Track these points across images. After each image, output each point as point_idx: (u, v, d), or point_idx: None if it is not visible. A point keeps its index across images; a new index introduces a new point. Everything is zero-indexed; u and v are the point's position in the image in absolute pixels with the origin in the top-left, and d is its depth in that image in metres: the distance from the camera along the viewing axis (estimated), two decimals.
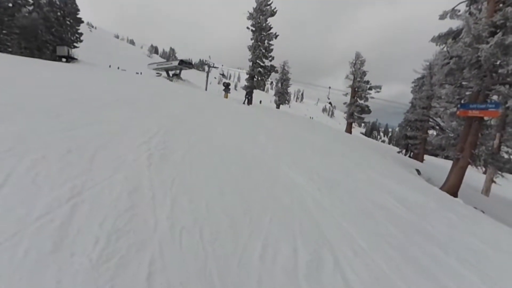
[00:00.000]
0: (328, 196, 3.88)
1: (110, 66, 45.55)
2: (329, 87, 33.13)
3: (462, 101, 13.22)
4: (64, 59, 30.25)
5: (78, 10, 31.71)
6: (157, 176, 3.28)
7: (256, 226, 2.66)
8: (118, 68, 46.84)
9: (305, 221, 3.00)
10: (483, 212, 9.35)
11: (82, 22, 33.06)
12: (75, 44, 32.64)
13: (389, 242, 3.17)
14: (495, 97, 11.90)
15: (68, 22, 31.24)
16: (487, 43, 10.37)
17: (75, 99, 7.14)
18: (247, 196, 3.25)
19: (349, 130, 30.54)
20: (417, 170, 13.42)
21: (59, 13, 30.12)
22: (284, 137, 8.43)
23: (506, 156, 15.43)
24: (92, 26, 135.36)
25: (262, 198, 3.32)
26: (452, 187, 12.11)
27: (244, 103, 19.80)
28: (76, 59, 31.73)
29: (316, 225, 2.97)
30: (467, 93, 12.76)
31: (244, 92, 28.54)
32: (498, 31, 10.70)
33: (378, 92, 30.22)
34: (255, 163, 4.64)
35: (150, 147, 4.23)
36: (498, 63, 10.59)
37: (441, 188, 11.81)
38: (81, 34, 33.31)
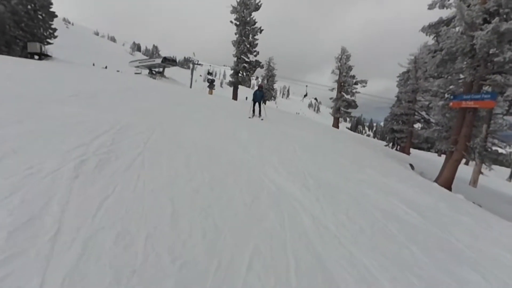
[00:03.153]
0: (331, 210, 2.91)
1: (94, 64, 42.42)
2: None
3: (447, 94, 12.86)
4: (36, 56, 27.83)
5: (51, 3, 29.06)
6: (79, 195, 2.16)
7: (226, 278, 1.62)
8: (106, 67, 43.85)
9: (302, 257, 2.00)
10: (480, 206, 9.00)
11: (56, 16, 30.33)
12: (48, 40, 30.00)
13: (419, 276, 2.24)
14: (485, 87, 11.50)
15: (40, 17, 28.53)
16: (481, 30, 9.83)
17: (19, 94, 5.90)
18: (214, 222, 2.19)
19: (336, 125, 30.06)
20: (411, 165, 12.87)
21: (29, 7, 27.39)
22: (270, 133, 7.41)
23: (492, 147, 15.29)
24: (69, 22, 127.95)
25: (237, 222, 2.27)
26: (446, 181, 11.64)
27: (253, 112, 10.60)
28: (49, 56, 29.22)
29: (319, 263, 1.98)
30: (458, 83, 12.32)
31: (231, 89, 26.98)
32: (489, 18, 10.22)
33: (364, 86, 29.87)
34: (231, 167, 3.58)
35: (88, 150, 3.08)
36: (491, 51, 10.07)
37: (435, 182, 11.34)
38: (55, 29, 30.59)
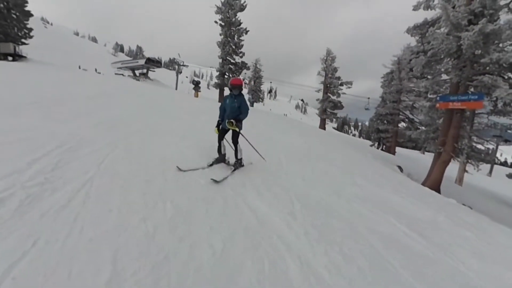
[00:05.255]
0: (322, 247, 2.39)
1: (80, 67, 40.26)
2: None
3: (433, 95, 12.85)
4: (10, 57, 26.11)
5: (26, 2, 27.29)
6: None
7: None
8: (96, 70, 41.84)
9: None
10: (471, 208, 8.87)
11: (32, 15, 28.53)
12: (23, 40, 28.26)
13: None
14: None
15: (14, 16, 26.77)
16: (467, 31, 9.76)
17: None
18: (168, 287, 1.60)
19: (323, 126, 30.02)
20: (399, 167, 12.72)
21: (2, 5, 25.65)
22: (254, 141, 6.86)
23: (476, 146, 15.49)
24: (48, 22, 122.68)
25: (199, 282, 1.70)
26: (435, 183, 11.60)
27: (220, 151, 4.34)
28: (24, 57, 27.55)
29: None
30: (444, 84, 12.30)
31: (217, 91, 26.20)
32: (474, 20, 10.17)
33: (349, 87, 30.09)
34: (203, 192, 3.01)
35: (17, 181, 2.41)
36: (476, 53, 10.00)
37: (423, 184, 11.21)
38: (30, 29, 28.77)
